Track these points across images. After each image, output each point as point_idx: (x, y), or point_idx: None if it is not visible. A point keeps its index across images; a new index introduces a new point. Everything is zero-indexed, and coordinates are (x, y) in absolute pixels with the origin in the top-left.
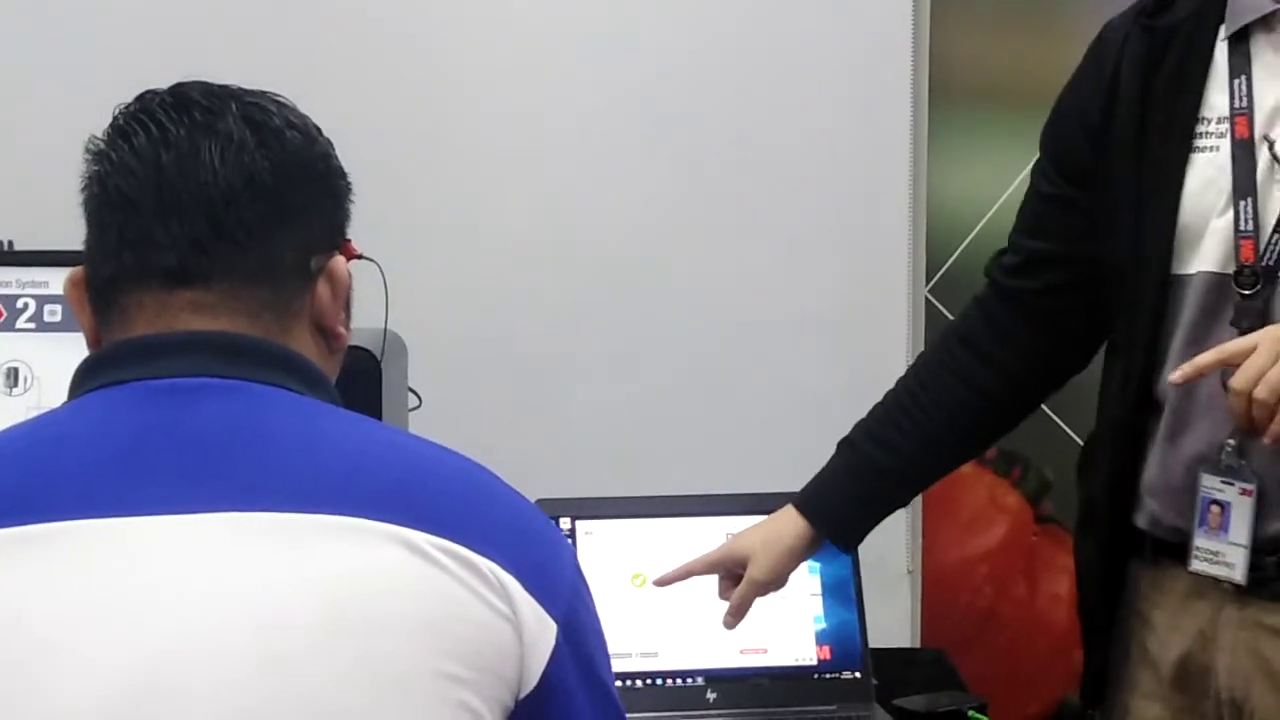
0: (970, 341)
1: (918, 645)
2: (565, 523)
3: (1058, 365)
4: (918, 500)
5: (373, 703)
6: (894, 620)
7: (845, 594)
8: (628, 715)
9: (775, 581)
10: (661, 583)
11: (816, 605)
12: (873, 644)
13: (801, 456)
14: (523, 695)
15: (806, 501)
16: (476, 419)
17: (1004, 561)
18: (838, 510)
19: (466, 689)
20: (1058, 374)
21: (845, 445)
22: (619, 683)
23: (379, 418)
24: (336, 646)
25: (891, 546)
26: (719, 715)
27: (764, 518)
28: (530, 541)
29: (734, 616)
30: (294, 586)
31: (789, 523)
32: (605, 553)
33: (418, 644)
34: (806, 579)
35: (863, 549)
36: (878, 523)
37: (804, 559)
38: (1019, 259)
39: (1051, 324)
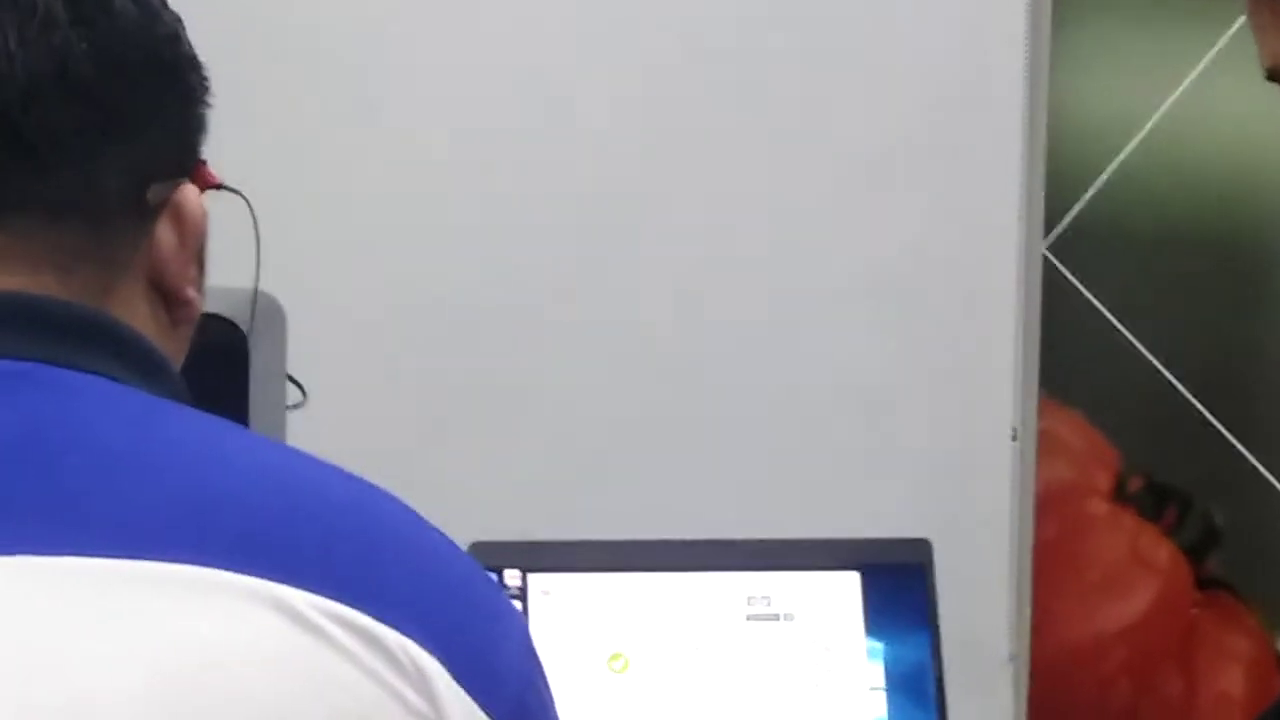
0: None
1: None
2: (512, 577)
3: None
4: (1025, 556)
5: None
6: None
7: (920, 688)
8: None
9: None
10: None
11: (879, 704)
12: None
13: (871, 478)
14: None
15: None
16: (383, 423)
17: (1150, 643)
18: None
19: None
20: None
21: None
22: None
23: (245, 418)
24: None
25: (987, 621)
26: None
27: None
28: (462, 607)
29: None
30: (114, 664)
31: None
32: (571, 622)
33: None
34: (866, 666)
35: (950, 624)
36: None
37: None
38: None
39: None
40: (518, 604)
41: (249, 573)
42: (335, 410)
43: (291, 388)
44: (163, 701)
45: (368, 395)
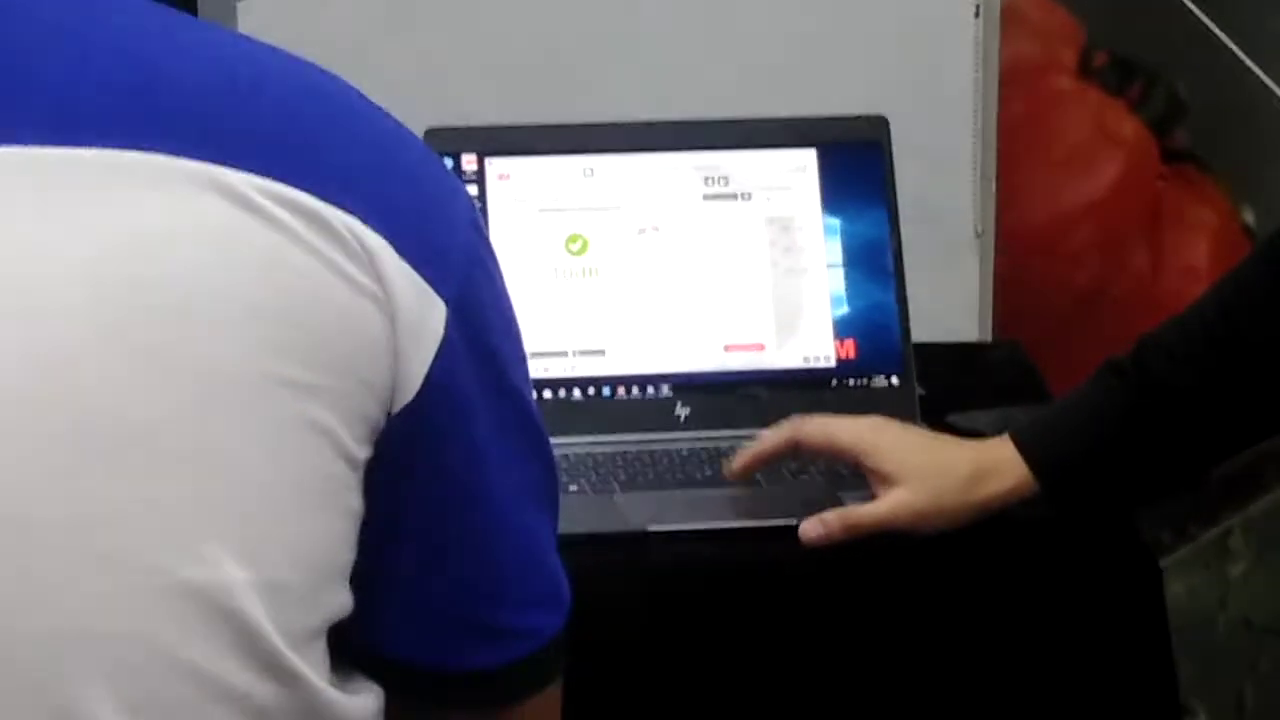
0: None
1: (987, 338)
2: (469, 161)
3: None
4: (989, 133)
5: (180, 419)
6: (953, 303)
7: (879, 264)
8: (559, 439)
9: (928, 518)
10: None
11: (837, 280)
12: (922, 337)
13: (833, 57)
14: (396, 408)
15: (1028, 435)
16: (337, 13)
17: (1116, 217)
18: (1074, 452)
19: (314, 400)
20: None
21: (1109, 372)
22: (548, 394)
23: (193, 8)
24: (123, 342)
25: (953, 199)
26: (694, 438)
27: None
28: (408, 186)
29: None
30: (54, 256)
31: (990, 452)
32: (528, 205)
33: (240, 337)
34: (822, 242)
35: (916, 202)
36: (1131, 495)
37: (988, 509)
38: None
39: None
40: (474, 188)
41: (190, 156)
42: (283, 5)
43: None
44: (104, 284)
45: None
